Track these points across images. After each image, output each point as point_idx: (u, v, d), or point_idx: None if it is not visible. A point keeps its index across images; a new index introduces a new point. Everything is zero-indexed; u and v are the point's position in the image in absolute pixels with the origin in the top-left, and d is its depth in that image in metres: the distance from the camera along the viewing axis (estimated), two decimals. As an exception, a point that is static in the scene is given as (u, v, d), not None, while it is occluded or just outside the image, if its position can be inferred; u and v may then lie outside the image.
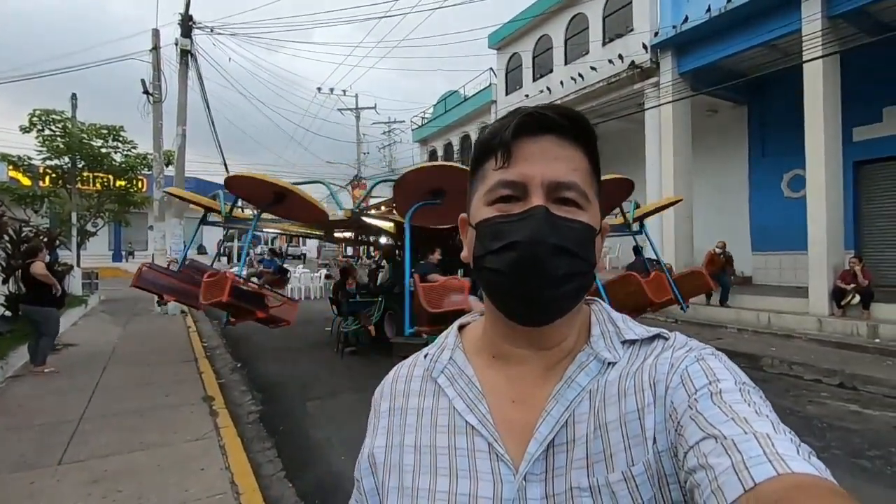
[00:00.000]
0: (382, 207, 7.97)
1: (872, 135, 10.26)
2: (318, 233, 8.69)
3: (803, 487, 0.37)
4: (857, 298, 8.45)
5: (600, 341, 0.59)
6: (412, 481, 0.58)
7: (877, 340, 7.69)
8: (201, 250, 25.47)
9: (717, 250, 10.55)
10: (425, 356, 0.67)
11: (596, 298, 0.67)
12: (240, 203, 7.03)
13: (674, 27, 11.00)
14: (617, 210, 7.67)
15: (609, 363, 0.57)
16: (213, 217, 7.33)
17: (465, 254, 0.63)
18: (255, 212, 6.75)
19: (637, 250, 8.59)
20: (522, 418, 0.57)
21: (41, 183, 16.05)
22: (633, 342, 0.59)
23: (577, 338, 0.60)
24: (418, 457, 0.59)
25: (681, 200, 9.25)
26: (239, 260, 18.24)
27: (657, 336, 0.60)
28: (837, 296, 8.68)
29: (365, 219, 7.47)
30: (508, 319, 0.58)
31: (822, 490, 0.37)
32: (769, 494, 0.37)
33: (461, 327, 0.69)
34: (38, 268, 6.09)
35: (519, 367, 0.60)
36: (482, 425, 0.57)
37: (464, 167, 4.93)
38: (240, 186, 6.19)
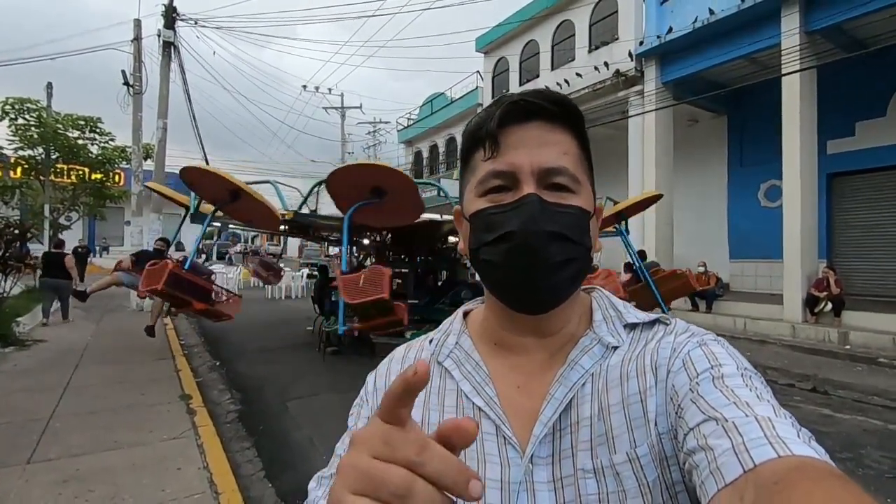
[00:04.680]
0: None
1: (845, 148, 10.60)
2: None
3: (802, 469, 0.37)
4: (829, 306, 8.73)
5: (603, 326, 0.59)
6: None
7: (847, 347, 7.94)
8: (179, 247, 24.82)
9: (700, 269, 10.91)
10: (430, 341, 0.66)
11: (597, 286, 0.67)
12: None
13: (658, 37, 11.22)
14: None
15: (612, 347, 0.57)
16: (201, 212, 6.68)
17: (462, 245, 0.62)
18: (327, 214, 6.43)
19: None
20: (528, 404, 0.56)
21: (12, 173, 15.53)
22: (634, 326, 0.60)
23: (579, 324, 0.61)
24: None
25: (661, 196, 9.25)
26: (220, 258, 17.90)
27: (657, 321, 0.60)
28: (810, 303, 8.95)
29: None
30: (509, 308, 0.58)
31: (821, 472, 0.37)
32: (768, 475, 0.37)
33: (465, 314, 0.68)
34: (69, 260, 8.93)
35: (522, 355, 0.60)
36: (489, 407, 0.57)
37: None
38: (342, 180, 5.42)
